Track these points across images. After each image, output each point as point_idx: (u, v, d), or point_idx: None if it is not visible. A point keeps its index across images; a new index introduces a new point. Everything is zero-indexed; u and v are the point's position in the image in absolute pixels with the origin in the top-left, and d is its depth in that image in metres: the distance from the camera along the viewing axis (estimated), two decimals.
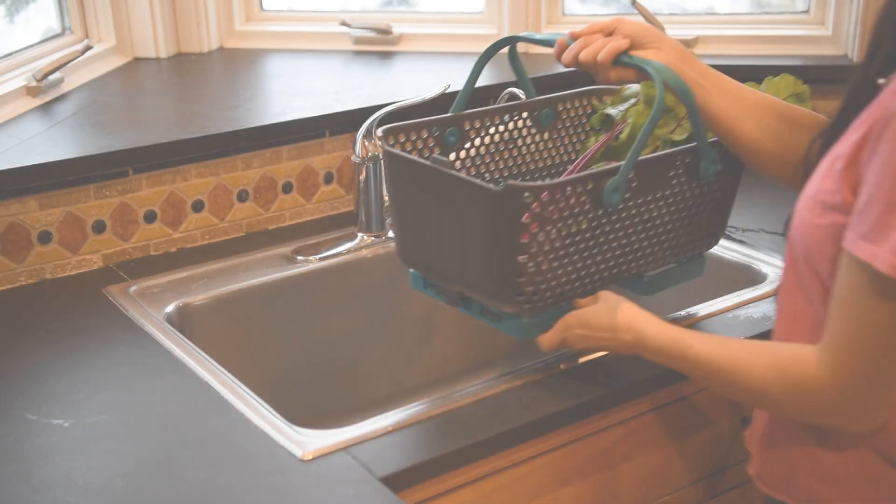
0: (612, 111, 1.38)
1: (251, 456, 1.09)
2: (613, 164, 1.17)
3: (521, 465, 1.18)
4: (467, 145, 1.35)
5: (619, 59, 1.18)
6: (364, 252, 1.64)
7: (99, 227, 1.56)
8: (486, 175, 1.38)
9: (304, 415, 1.38)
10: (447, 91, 1.57)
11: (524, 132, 1.40)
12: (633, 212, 1.20)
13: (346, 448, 1.10)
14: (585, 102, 1.46)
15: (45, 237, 1.51)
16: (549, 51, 2.21)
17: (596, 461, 1.25)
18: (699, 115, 1.19)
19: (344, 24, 2.20)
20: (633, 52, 1.18)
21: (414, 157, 1.22)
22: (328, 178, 1.77)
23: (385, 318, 1.66)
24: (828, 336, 0.96)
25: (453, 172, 1.16)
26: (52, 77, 1.83)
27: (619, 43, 1.18)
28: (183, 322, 1.46)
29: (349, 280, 1.62)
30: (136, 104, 1.84)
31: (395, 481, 1.05)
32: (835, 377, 0.95)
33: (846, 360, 0.94)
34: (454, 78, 1.93)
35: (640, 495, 1.32)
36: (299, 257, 1.61)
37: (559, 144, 1.45)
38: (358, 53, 2.20)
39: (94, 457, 1.09)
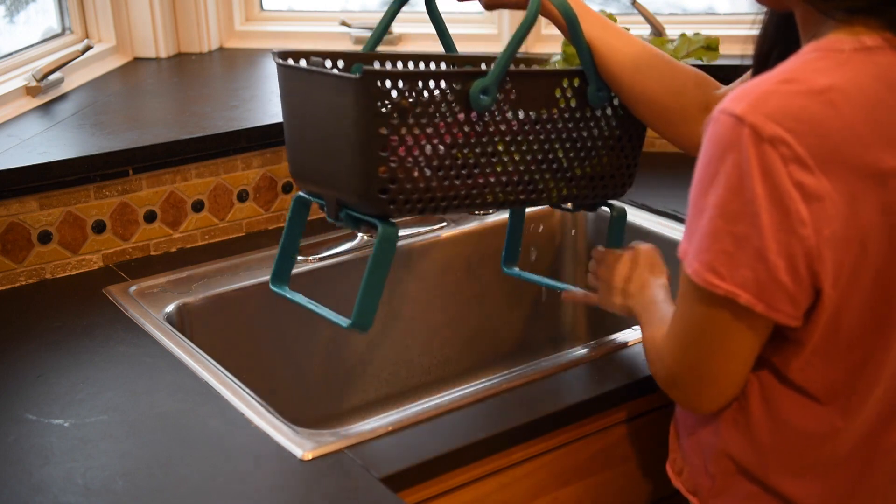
0: None
1: (251, 456, 1.09)
2: (482, 69, 1.15)
3: (521, 465, 1.18)
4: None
5: None
6: (364, 252, 1.64)
7: (99, 227, 1.56)
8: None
9: (304, 415, 1.39)
10: None
11: (448, 92, 1.37)
12: (516, 128, 1.18)
13: (346, 448, 1.10)
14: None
15: (45, 237, 1.51)
16: (554, 49, 2.21)
17: (596, 461, 1.25)
18: (582, 36, 1.17)
19: (344, 24, 2.20)
20: None
21: (291, 63, 1.19)
22: None
23: (385, 318, 1.66)
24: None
25: (322, 69, 1.14)
26: (52, 77, 1.83)
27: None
28: (183, 322, 1.46)
29: (349, 280, 1.62)
30: (136, 104, 1.84)
31: (395, 481, 1.05)
32: (665, 359, 1.03)
33: (671, 346, 1.02)
34: None
35: (641, 495, 1.32)
36: (299, 257, 1.61)
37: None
38: None
39: (94, 457, 1.09)
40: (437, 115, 1.12)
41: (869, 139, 0.89)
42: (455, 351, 1.76)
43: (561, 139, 1.22)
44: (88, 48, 1.89)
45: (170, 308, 1.45)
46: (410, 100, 1.10)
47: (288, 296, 1.28)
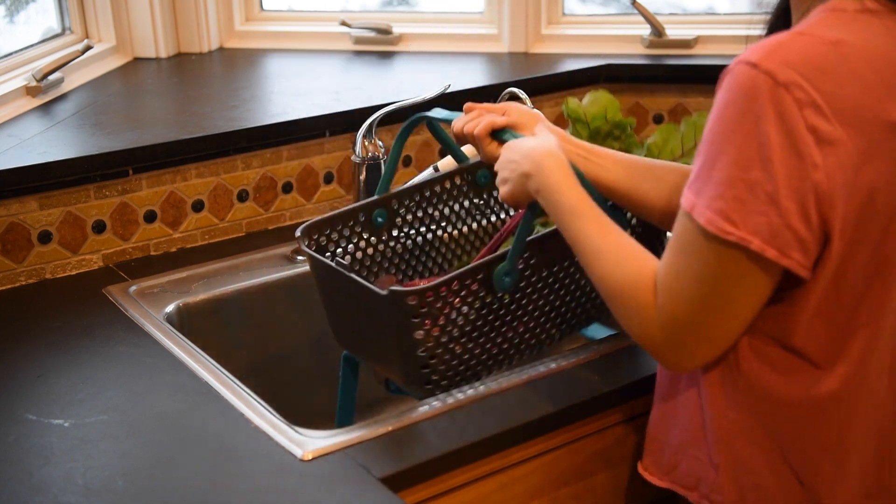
0: None
1: (251, 456, 1.09)
2: (500, 252, 1.20)
3: (521, 465, 1.18)
4: (403, 212, 1.40)
5: (497, 135, 1.21)
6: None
7: (99, 227, 1.56)
8: (429, 237, 1.44)
9: (305, 415, 1.38)
10: (447, 91, 1.56)
11: (456, 193, 1.45)
12: (540, 285, 1.23)
13: (346, 448, 1.10)
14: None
15: (45, 237, 1.51)
16: (554, 49, 2.22)
17: (596, 461, 1.25)
18: (589, 186, 1.15)
19: (344, 24, 2.20)
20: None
21: (320, 257, 1.27)
22: (328, 178, 1.77)
23: None
24: (659, 276, 0.99)
25: (350, 275, 1.21)
26: (52, 77, 1.83)
27: (496, 119, 1.21)
28: (183, 322, 1.46)
29: None
30: (136, 104, 1.84)
31: (395, 481, 1.05)
32: (660, 316, 0.99)
33: (668, 303, 0.98)
34: (454, 78, 1.93)
35: (641, 495, 1.32)
36: (299, 257, 1.61)
37: (501, 201, 1.49)
38: (358, 53, 2.20)
39: (94, 457, 1.09)
40: (466, 304, 1.17)
41: (879, 92, 0.92)
42: None
43: (577, 279, 1.26)
44: (88, 48, 1.89)
45: (170, 308, 1.45)
46: (438, 304, 1.15)
47: None
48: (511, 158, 1.14)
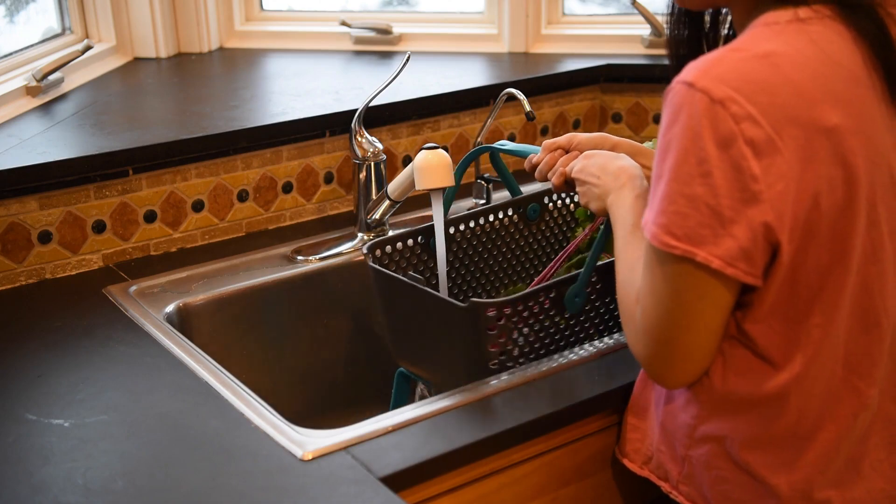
0: None
1: (251, 456, 1.09)
2: (573, 273, 1.27)
3: (521, 465, 1.18)
4: (459, 239, 1.47)
5: (570, 184, 1.28)
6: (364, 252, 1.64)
7: (99, 227, 1.56)
8: (480, 265, 1.51)
9: (304, 415, 1.39)
10: (408, 61, 1.55)
11: (511, 228, 1.53)
12: (603, 309, 1.30)
13: (346, 448, 1.10)
14: (574, 195, 1.52)
15: (45, 237, 1.51)
16: (554, 49, 2.22)
17: (596, 461, 1.26)
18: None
19: (344, 24, 2.20)
20: None
21: (392, 273, 1.32)
22: (328, 178, 1.77)
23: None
24: (638, 294, 1.04)
25: (426, 289, 1.26)
26: (52, 77, 1.83)
27: (568, 169, 1.27)
28: (183, 322, 1.46)
29: (349, 280, 1.62)
30: (136, 104, 1.84)
31: (395, 481, 1.05)
32: (637, 333, 1.03)
33: (643, 319, 1.02)
34: (454, 78, 1.93)
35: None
36: (299, 257, 1.61)
37: (548, 235, 1.59)
38: (358, 53, 2.20)
39: (94, 457, 1.09)
40: (537, 321, 1.24)
41: (813, 97, 0.93)
42: None
43: None
44: (88, 48, 1.89)
45: (170, 308, 1.45)
46: (514, 319, 1.21)
47: None
48: (593, 173, 1.20)
